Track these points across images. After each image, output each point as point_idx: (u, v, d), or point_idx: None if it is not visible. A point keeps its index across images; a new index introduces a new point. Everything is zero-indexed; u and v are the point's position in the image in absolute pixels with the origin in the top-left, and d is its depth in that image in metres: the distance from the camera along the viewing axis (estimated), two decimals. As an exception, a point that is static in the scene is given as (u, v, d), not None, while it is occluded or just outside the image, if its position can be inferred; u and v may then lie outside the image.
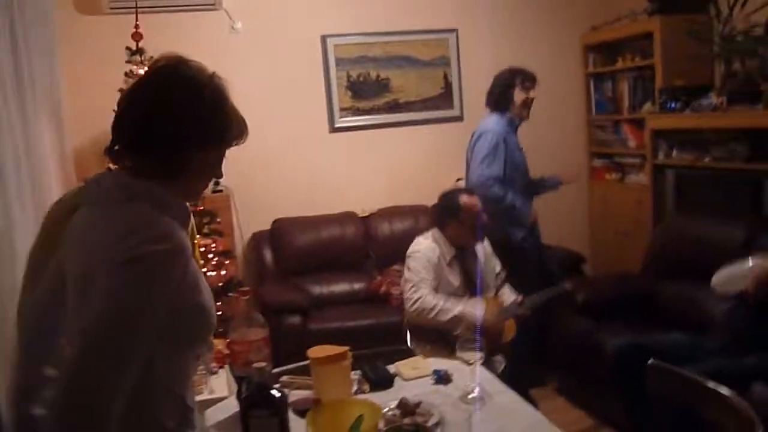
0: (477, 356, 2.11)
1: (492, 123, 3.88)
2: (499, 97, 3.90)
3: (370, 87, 4.87)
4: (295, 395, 2.01)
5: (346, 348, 1.96)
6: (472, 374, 2.13)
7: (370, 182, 4.92)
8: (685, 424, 2.28)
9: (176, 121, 1.30)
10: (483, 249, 3.39)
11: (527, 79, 3.87)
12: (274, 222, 4.67)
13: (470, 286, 3.27)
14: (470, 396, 2.04)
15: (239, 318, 2.02)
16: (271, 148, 4.64)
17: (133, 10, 3.79)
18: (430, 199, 4.84)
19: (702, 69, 4.40)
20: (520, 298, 3.28)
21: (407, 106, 4.94)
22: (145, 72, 1.41)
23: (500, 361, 3.11)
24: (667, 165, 4.39)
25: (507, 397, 2.06)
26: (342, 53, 4.78)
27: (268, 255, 4.64)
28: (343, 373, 1.96)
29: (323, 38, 4.75)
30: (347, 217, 4.77)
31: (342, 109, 4.84)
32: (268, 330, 1.99)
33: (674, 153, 4.36)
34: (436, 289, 3.17)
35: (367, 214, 4.82)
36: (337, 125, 4.85)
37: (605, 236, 5.08)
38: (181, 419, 1.34)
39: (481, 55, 4.99)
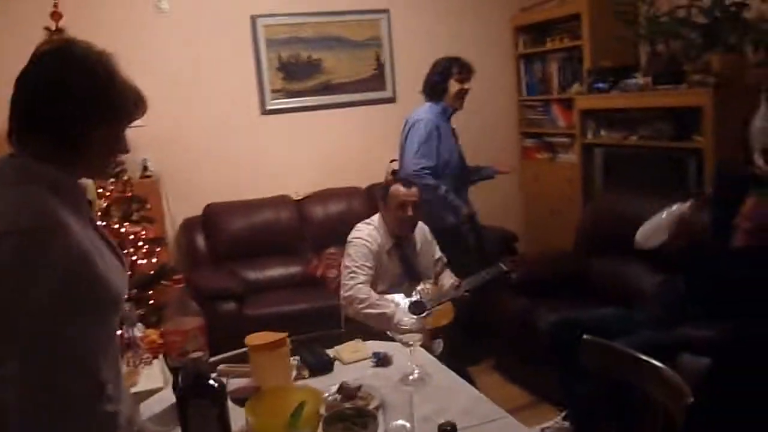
0: (416, 338, 2.11)
1: (425, 111, 3.90)
2: (435, 86, 3.94)
3: (302, 68, 4.79)
4: (233, 384, 1.96)
5: (284, 334, 1.92)
6: (411, 356, 2.13)
7: (303, 165, 4.86)
8: (619, 396, 2.34)
9: (70, 100, 1.31)
10: (422, 236, 3.41)
11: (464, 70, 3.91)
12: (206, 207, 4.56)
13: (410, 275, 3.29)
14: (410, 377, 2.04)
15: (173, 306, 1.96)
16: (201, 132, 4.54)
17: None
18: (364, 181, 4.86)
19: (628, 50, 4.51)
20: (458, 281, 3.31)
21: (340, 88, 4.89)
22: (34, 54, 1.39)
23: (439, 343, 3.13)
24: (596, 144, 4.49)
25: (447, 377, 2.08)
26: (272, 34, 4.68)
27: (200, 241, 4.54)
28: (282, 359, 1.93)
29: (253, 18, 4.64)
30: (281, 200, 4.70)
31: (273, 91, 4.75)
32: (204, 318, 1.94)
33: (602, 132, 4.46)
34: (376, 278, 3.18)
35: (301, 197, 4.76)
36: (268, 107, 4.76)
37: (538, 214, 5.17)
38: (94, 392, 1.33)
39: (413, 36, 4.99)
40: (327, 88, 4.86)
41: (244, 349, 2.01)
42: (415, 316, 2.98)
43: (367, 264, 3.17)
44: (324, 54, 4.82)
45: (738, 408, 2.57)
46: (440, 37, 5.02)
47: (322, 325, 3.10)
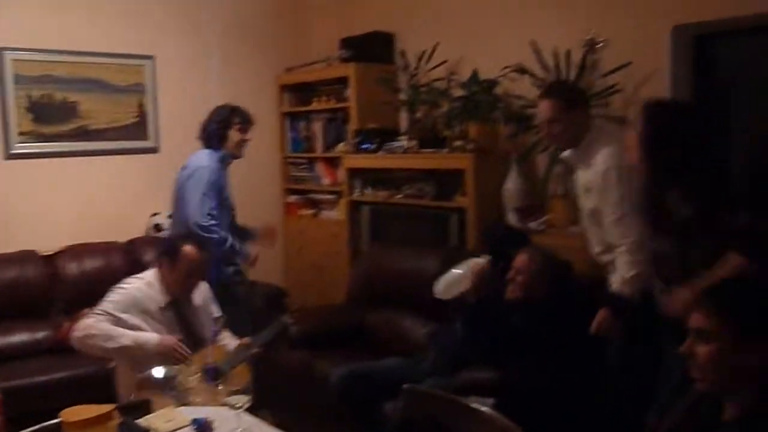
0: (243, 399, 2.01)
1: (205, 159, 3.77)
2: (214, 134, 3.82)
3: (56, 110, 4.35)
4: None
5: (110, 406, 1.71)
6: (237, 419, 2.02)
7: (54, 216, 4.37)
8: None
9: None
10: (200, 293, 3.25)
11: (245, 121, 3.87)
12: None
13: (191, 338, 3.11)
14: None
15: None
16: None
17: None
18: (124, 236, 4.52)
19: (390, 114, 4.83)
20: (246, 340, 3.21)
21: (98, 134, 4.52)
22: None
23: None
24: (362, 201, 4.69)
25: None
26: (22, 69, 4.21)
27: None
28: (107, 434, 1.71)
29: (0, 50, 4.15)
30: (26, 256, 4.15)
31: (21, 134, 4.24)
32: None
33: (368, 190, 4.69)
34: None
35: (51, 252, 4.27)
36: (13, 151, 4.22)
37: (302, 269, 5.22)
38: None
39: (180, 85, 4.83)
40: (84, 134, 4.47)
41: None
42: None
43: (122, 316, 2.91)
44: (81, 96, 4.44)
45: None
46: (206, 89, 4.93)
47: (86, 395, 2.80)
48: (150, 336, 2.91)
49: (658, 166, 2.24)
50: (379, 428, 2.96)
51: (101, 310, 2.91)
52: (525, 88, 3.98)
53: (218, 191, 3.74)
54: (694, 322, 1.75)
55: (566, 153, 3.11)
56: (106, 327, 2.85)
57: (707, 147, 2.25)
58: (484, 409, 2.01)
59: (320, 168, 5.17)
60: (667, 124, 2.29)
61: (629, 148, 2.42)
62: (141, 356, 2.84)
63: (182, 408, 2.17)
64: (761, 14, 3.19)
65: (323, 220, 5.12)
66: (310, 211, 5.25)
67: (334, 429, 3.36)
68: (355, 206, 4.75)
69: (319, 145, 5.18)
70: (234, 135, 3.83)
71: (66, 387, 3.53)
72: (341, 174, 4.91)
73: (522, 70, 3.89)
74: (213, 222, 3.64)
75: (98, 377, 3.39)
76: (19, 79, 4.21)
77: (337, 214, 4.97)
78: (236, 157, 3.90)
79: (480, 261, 3.19)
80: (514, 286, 3.12)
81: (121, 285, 3.03)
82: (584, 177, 2.95)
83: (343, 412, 3.25)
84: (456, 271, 3.21)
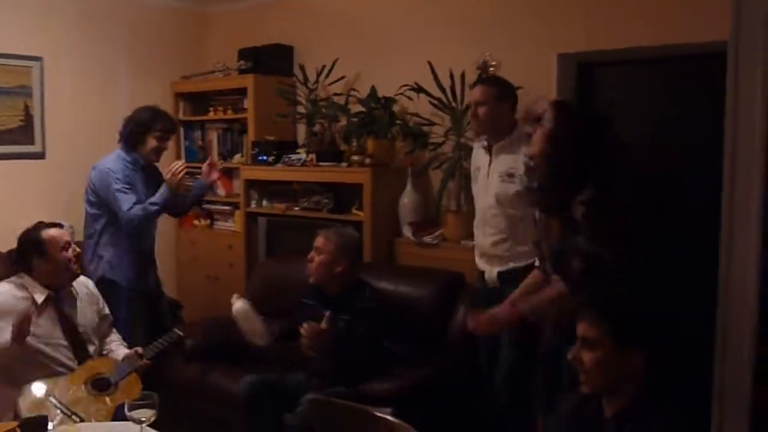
0: (148, 413, 1.99)
1: (113, 161, 3.72)
2: (130, 136, 3.77)
3: (-68, 112, 4.10)
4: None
5: (12, 424, 1.65)
6: (142, 432, 2.00)
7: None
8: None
9: None
10: (84, 288, 3.19)
11: (167, 129, 3.81)
12: None
13: (73, 335, 3.03)
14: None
15: None
16: None
17: None
18: (4, 245, 4.28)
19: (288, 127, 4.85)
20: (139, 349, 3.14)
21: (-19, 138, 4.29)
22: None
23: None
24: (259, 213, 4.68)
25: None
26: None
27: None
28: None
29: None
30: None
31: None
32: None
33: (265, 202, 4.69)
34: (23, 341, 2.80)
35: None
36: None
37: (194, 280, 5.13)
38: None
39: (70, 89, 4.65)
40: (-37, 137, 4.23)
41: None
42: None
43: None
44: (-40, 98, 4.20)
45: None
46: (99, 93, 4.79)
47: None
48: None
49: (562, 164, 2.33)
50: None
51: None
52: (421, 106, 4.13)
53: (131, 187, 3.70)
54: (581, 331, 1.90)
55: (481, 142, 3.31)
56: None
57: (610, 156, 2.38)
58: (385, 415, 2.09)
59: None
60: (576, 124, 2.36)
61: (534, 142, 2.42)
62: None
63: (83, 424, 2.11)
64: (634, 48, 3.50)
65: (218, 232, 5.07)
66: (204, 222, 5.17)
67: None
68: (251, 218, 4.73)
69: (214, 155, 5.12)
70: (151, 141, 3.76)
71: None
72: (237, 185, 4.88)
73: (419, 89, 4.03)
74: (135, 207, 3.64)
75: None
76: None
77: (232, 225, 4.93)
78: (150, 162, 3.83)
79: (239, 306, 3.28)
80: (313, 267, 3.28)
81: None
82: (506, 163, 3.13)
83: (241, 424, 3.23)
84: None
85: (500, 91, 3.22)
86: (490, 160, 3.23)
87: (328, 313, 3.13)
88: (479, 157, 3.34)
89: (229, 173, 5.02)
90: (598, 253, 2.21)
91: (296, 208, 4.49)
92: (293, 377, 3.24)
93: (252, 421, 3.11)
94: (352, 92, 4.44)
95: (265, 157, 4.58)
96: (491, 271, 3.20)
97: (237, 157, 4.94)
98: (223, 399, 3.42)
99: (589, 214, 2.23)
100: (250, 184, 4.72)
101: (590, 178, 2.27)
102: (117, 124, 3.88)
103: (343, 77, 4.55)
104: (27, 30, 4.48)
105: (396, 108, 4.24)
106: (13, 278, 3.02)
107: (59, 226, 3.17)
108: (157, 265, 4.04)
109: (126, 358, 3.10)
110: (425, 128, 4.15)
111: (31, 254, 3.02)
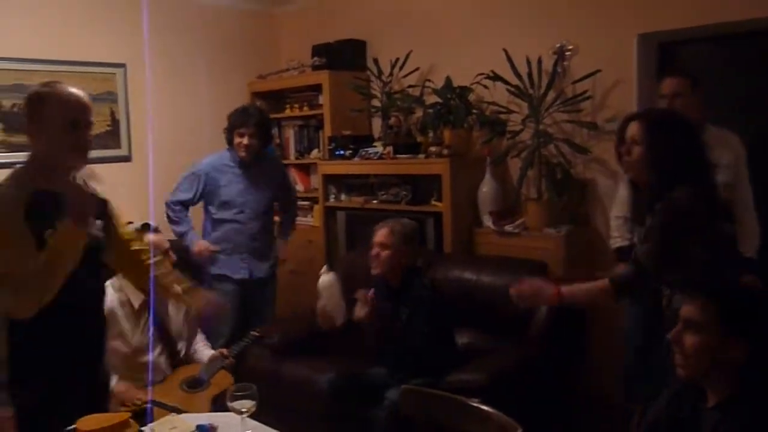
0: (249, 404, 2.04)
1: (209, 157, 4.04)
2: (225, 135, 4.03)
3: (27, 120, 4.30)
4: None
5: (126, 414, 1.72)
6: (243, 424, 2.05)
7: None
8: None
9: None
10: None
11: (246, 126, 3.91)
12: None
13: (167, 340, 3.16)
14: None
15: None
16: None
17: None
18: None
19: (363, 121, 4.88)
20: (224, 351, 3.26)
21: (70, 143, 4.47)
22: None
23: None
24: (338, 207, 4.73)
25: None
26: (-6, 78, 4.15)
27: None
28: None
29: (-30, 59, 4.08)
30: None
31: (-9, 143, 4.19)
32: None
33: (343, 196, 4.73)
34: (120, 338, 2.97)
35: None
36: (-17, 161, 4.17)
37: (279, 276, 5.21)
38: None
39: (152, 94, 4.79)
40: (56, 143, 4.42)
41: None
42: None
43: None
44: (53, 106, 4.39)
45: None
46: (179, 96, 4.93)
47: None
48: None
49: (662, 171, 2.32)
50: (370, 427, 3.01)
51: None
52: (497, 95, 4.09)
53: (202, 186, 3.95)
54: (686, 313, 1.84)
55: None
56: None
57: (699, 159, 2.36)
58: (484, 407, 2.08)
59: (293, 174, 5.19)
60: (669, 141, 2.34)
61: (632, 167, 2.42)
62: None
63: (185, 415, 2.18)
64: (720, 23, 3.36)
65: (298, 227, 5.11)
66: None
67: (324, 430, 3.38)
68: (330, 212, 4.79)
69: (291, 151, 5.21)
70: (236, 138, 3.95)
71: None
72: (315, 180, 4.94)
73: (495, 77, 3.99)
74: (178, 207, 3.94)
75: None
76: (-10, 88, 4.15)
77: (311, 220, 5.00)
78: (244, 159, 3.97)
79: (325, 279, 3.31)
80: (379, 261, 3.24)
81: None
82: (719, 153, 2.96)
83: (325, 417, 3.28)
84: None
85: (693, 79, 3.06)
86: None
87: (371, 291, 3.21)
88: None
89: (306, 169, 5.09)
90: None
91: (374, 201, 4.51)
92: (375, 371, 3.26)
93: (336, 415, 3.15)
94: (427, 83, 4.43)
95: (342, 152, 4.62)
96: None
97: (314, 152, 5.01)
98: (305, 392, 3.47)
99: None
100: (328, 178, 4.77)
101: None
102: (197, 126, 4.01)
103: (417, 69, 4.55)
104: (111, 38, 4.67)
105: (472, 97, 4.22)
106: (110, 280, 3.13)
107: (157, 231, 3.27)
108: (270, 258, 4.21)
109: (212, 359, 3.20)
110: (502, 116, 4.11)
111: None
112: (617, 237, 3.31)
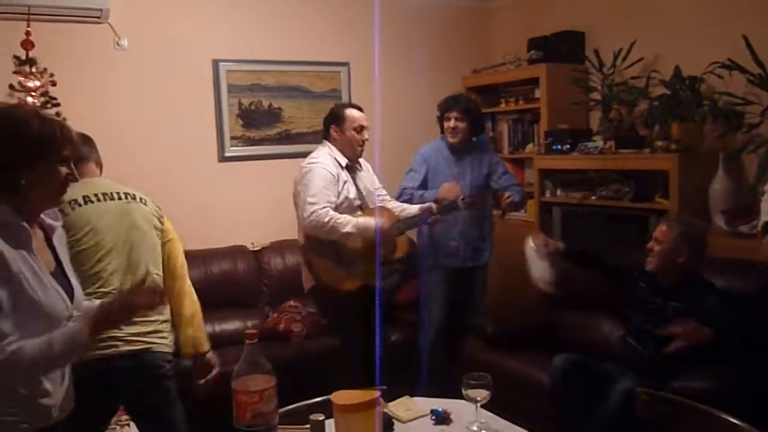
0: (483, 394, 2.07)
1: (424, 147, 4.19)
2: (438, 123, 4.16)
3: (262, 116, 4.69)
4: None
5: (376, 393, 1.81)
6: (476, 413, 2.08)
7: (261, 214, 4.70)
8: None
9: None
10: (364, 164, 3.69)
11: (451, 109, 4.03)
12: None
13: (361, 197, 3.49)
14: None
15: (244, 363, 1.83)
16: (156, 176, 4.28)
17: (23, 16, 3.36)
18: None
19: (580, 114, 4.75)
20: (432, 205, 3.64)
21: (299, 138, 4.81)
22: None
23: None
24: (554, 202, 4.65)
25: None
26: (234, 79, 4.57)
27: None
28: (372, 421, 1.82)
29: (215, 62, 4.51)
30: (237, 251, 4.51)
31: (233, 138, 4.60)
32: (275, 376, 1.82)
33: (559, 192, 4.64)
34: (337, 205, 3.31)
35: (258, 248, 4.59)
36: (227, 154, 4.60)
37: (495, 271, 5.22)
38: (33, 386, 1.66)
39: (372, 90, 5.02)
40: (286, 138, 4.78)
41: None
42: None
43: (328, 190, 3.30)
44: (284, 103, 4.76)
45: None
46: (398, 92, 5.10)
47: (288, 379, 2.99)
48: (367, 220, 3.33)
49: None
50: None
51: (324, 203, 3.25)
52: (734, 85, 3.79)
53: (425, 173, 4.07)
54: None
55: None
56: (331, 219, 3.23)
57: None
58: (736, 420, 1.94)
59: (508, 169, 5.16)
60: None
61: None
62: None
63: (419, 399, 2.27)
64: None
65: (511, 222, 5.10)
66: (495, 212, 5.24)
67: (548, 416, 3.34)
68: (545, 207, 4.71)
69: (505, 145, 5.19)
70: (445, 122, 4.05)
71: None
72: (529, 174, 4.88)
73: (733, 65, 3.69)
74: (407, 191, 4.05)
75: (300, 363, 3.86)
76: (231, 89, 4.57)
77: (525, 215, 4.95)
78: (455, 145, 4.05)
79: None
80: (653, 256, 3.08)
81: (314, 162, 3.40)
82: None
83: (553, 404, 3.22)
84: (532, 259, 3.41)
85: None
86: None
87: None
88: None
89: (520, 163, 5.05)
90: None
91: (593, 198, 4.37)
92: (607, 365, 3.16)
93: (561, 398, 3.10)
94: (653, 74, 4.21)
95: (559, 146, 4.53)
96: None
97: (529, 146, 4.95)
98: (523, 386, 3.46)
99: None
100: (544, 173, 4.70)
101: None
102: (416, 119, 4.11)
103: (641, 59, 4.34)
104: (335, 39, 4.95)
105: (702, 88, 3.94)
106: (322, 147, 3.51)
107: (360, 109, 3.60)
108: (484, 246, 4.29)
109: (410, 219, 3.63)
110: (738, 108, 3.80)
111: (332, 124, 3.51)
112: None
